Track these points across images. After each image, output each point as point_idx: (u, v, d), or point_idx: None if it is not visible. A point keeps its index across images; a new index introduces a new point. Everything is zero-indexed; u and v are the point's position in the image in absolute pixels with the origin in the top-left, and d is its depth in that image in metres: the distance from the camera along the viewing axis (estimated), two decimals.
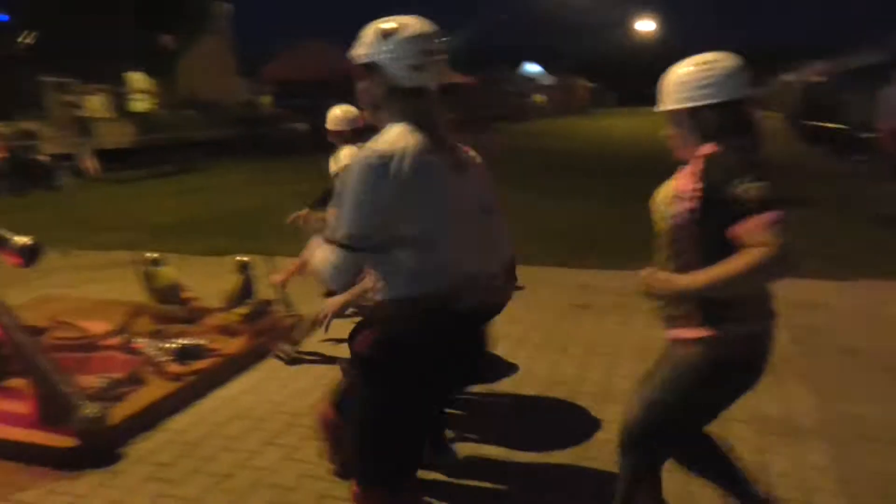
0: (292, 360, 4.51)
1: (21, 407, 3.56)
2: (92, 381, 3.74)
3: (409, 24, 2.01)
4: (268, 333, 4.63)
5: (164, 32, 19.78)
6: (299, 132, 22.24)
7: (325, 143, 4.71)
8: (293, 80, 30.04)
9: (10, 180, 13.47)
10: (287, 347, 4.56)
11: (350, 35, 2.16)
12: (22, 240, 3.36)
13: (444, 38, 2.07)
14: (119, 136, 16.95)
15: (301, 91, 28.41)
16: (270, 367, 4.47)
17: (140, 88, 18.25)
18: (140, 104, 18.22)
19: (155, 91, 18.52)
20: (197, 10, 21.00)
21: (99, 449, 3.36)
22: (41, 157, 14.64)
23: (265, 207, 10.62)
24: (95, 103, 17.09)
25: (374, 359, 2.06)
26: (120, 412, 3.59)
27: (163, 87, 18.71)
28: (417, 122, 2.00)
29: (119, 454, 3.40)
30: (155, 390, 3.86)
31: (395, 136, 1.96)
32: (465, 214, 2.05)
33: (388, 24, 2.02)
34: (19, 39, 17.07)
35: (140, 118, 17.97)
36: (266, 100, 24.52)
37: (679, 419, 2.30)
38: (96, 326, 4.58)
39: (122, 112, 17.73)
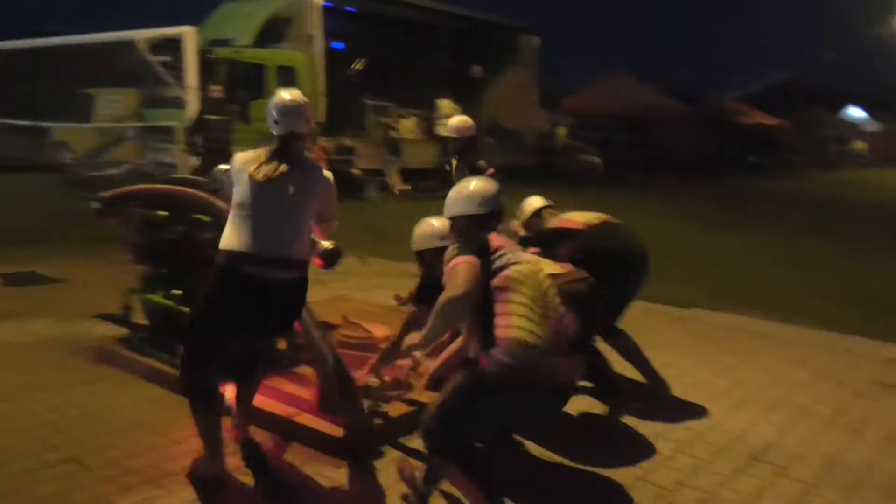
0: None
1: (305, 392, 3.95)
2: (366, 379, 4.02)
3: (278, 94, 3.27)
4: None
5: (475, 63, 20.96)
6: (592, 165, 22.29)
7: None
8: (589, 113, 30.30)
9: None
10: None
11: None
12: (325, 244, 3.72)
13: (300, 104, 3.23)
14: (423, 157, 18.18)
15: (597, 125, 28.49)
16: None
17: (447, 114, 19.39)
18: (445, 129, 19.31)
19: None
20: (508, 42, 21.98)
21: (363, 444, 3.60)
22: (355, 171, 16.22)
23: None
24: (407, 126, 18.54)
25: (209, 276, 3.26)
26: (385, 413, 3.82)
27: (468, 113, 19.66)
28: (274, 149, 3.21)
29: (380, 452, 3.62)
30: (418, 397, 4.04)
31: (251, 153, 3.23)
32: (269, 207, 3.12)
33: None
34: (352, 66, 19.10)
35: (443, 142, 19.09)
36: (562, 131, 24.87)
37: (455, 422, 2.82)
38: (378, 330, 4.91)
39: (429, 135, 18.99)
